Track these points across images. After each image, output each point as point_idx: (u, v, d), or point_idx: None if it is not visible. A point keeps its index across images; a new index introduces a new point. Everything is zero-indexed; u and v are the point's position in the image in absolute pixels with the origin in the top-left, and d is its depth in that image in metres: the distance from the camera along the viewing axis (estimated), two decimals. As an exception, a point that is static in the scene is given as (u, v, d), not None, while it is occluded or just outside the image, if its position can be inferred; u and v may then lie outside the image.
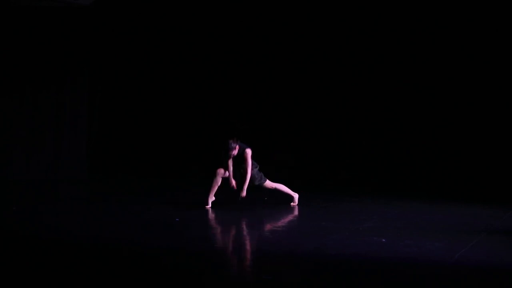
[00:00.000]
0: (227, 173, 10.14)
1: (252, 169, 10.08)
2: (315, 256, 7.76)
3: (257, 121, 14.08)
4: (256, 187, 10.32)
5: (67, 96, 13.29)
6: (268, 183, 10.41)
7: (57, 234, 8.38)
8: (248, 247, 8.13)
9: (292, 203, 10.65)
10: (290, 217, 10.08)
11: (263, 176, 10.31)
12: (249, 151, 10.04)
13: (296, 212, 10.36)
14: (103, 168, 13.97)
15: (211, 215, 9.83)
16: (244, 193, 10.03)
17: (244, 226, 9.31)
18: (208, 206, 10.17)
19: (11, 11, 12.83)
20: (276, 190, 10.56)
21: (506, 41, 12.81)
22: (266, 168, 10.53)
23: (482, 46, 12.91)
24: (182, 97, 14.31)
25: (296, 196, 10.68)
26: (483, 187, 12.58)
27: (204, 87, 14.27)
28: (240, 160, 10.09)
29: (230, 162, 10.08)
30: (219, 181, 10.14)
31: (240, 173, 10.13)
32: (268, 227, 9.43)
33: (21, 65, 12.97)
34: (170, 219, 9.40)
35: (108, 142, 14.25)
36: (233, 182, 10.10)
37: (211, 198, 10.22)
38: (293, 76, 13.97)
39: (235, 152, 10.00)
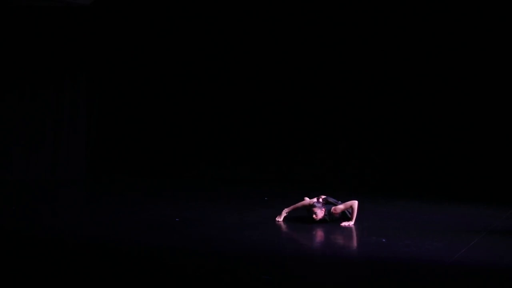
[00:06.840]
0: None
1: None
2: (315, 256, 7.76)
3: (255, 121, 14.07)
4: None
5: (67, 96, 13.28)
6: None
7: (57, 234, 8.38)
8: (247, 247, 8.12)
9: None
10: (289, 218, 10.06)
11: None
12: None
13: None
14: (102, 168, 13.96)
15: (211, 215, 9.82)
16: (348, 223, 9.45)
17: (244, 227, 9.30)
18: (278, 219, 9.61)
19: (11, 11, 12.82)
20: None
21: (506, 41, 12.81)
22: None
23: (484, 47, 12.92)
24: (181, 96, 14.29)
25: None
26: (483, 187, 12.58)
27: (204, 87, 14.24)
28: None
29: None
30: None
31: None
32: (268, 227, 9.40)
33: (21, 65, 12.96)
34: (170, 219, 9.40)
35: (107, 142, 14.24)
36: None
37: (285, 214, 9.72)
38: (292, 76, 13.96)
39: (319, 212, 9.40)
